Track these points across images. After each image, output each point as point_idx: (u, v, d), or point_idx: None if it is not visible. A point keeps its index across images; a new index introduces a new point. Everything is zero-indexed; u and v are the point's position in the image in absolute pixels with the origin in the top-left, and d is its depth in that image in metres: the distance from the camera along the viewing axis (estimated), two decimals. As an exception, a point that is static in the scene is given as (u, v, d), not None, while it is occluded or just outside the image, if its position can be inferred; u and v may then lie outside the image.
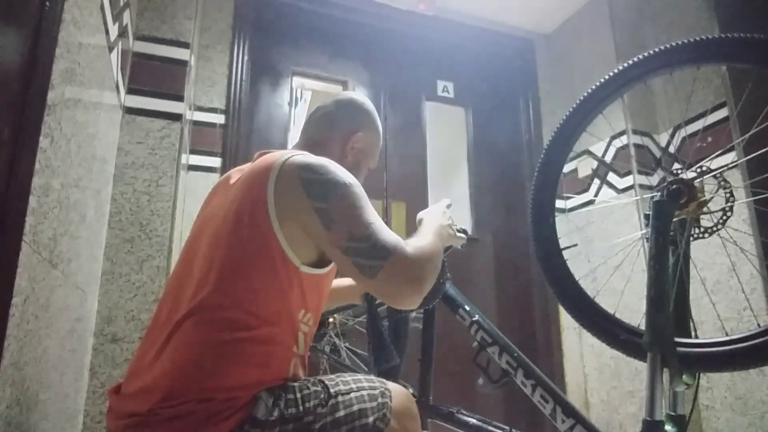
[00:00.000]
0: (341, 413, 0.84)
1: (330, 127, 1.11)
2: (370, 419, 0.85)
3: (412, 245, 0.87)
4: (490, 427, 1.12)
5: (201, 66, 2.10)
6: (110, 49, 1.38)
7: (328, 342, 1.46)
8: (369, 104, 1.17)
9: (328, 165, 0.91)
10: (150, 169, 1.65)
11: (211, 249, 0.89)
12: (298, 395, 0.84)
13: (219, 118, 2.07)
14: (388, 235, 0.86)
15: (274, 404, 0.81)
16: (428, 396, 1.26)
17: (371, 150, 1.16)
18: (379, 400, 0.88)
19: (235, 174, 1.03)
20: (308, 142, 1.10)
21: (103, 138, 1.40)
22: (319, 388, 0.87)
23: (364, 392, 0.89)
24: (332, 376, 0.92)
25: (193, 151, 1.99)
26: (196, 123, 2.03)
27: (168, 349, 0.83)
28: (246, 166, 1.01)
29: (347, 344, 1.46)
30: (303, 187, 0.87)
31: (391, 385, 0.94)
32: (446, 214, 1.14)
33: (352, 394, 0.87)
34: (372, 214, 0.88)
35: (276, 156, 0.93)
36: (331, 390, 0.87)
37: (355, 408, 0.86)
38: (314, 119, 1.14)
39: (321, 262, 0.93)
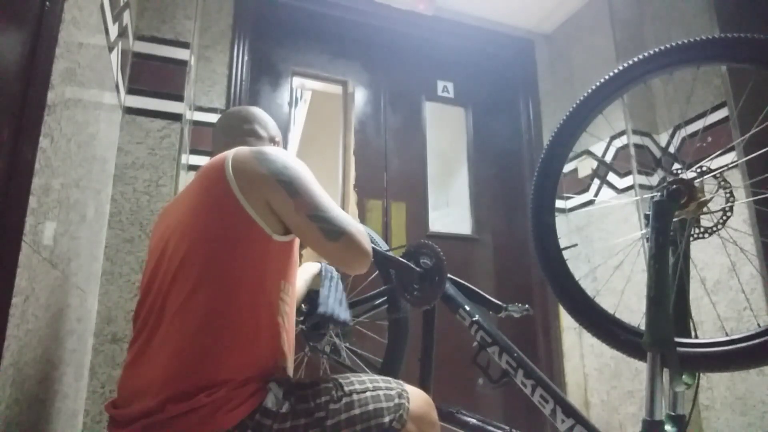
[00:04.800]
0: (356, 411, 0.85)
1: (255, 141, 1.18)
2: (386, 419, 0.86)
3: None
4: (490, 427, 1.12)
5: (201, 66, 2.09)
6: (110, 49, 1.38)
7: (328, 342, 1.46)
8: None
9: (277, 149, 0.97)
10: (150, 169, 1.65)
11: (180, 241, 0.90)
12: (309, 391, 0.85)
13: (219, 118, 2.07)
14: (342, 211, 0.96)
15: (284, 397, 0.82)
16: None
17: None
18: (396, 401, 0.89)
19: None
20: None
21: (103, 138, 1.40)
22: (332, 385, 0.87)
23: (381, 392, 0.89)
24: (347, 375, 0.93)
25: (193, 151, 1.99)
26: (196, 123, 2.03)
27: (160, 347, 0.83)
28: None
29: (347, 344, 1.46)
30: (262, 165, 0.91)
31: (410, 388, 0.94)
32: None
33: (368, 393, 0.88)
34: (325, 192, 0.96)
35: (223, 153, 0.97)
36: (345, 388, 0.88)
37: (371, 407, 0.86)
38: (234, 134, 1.20)
39: (289, 231, 0.96)
